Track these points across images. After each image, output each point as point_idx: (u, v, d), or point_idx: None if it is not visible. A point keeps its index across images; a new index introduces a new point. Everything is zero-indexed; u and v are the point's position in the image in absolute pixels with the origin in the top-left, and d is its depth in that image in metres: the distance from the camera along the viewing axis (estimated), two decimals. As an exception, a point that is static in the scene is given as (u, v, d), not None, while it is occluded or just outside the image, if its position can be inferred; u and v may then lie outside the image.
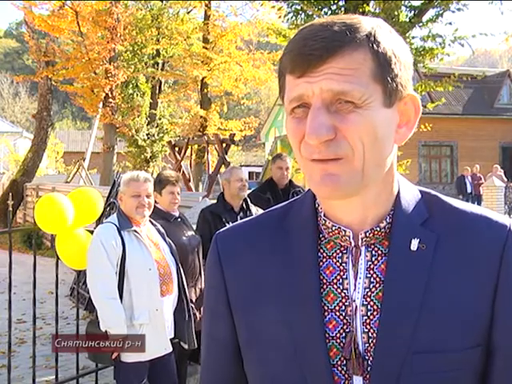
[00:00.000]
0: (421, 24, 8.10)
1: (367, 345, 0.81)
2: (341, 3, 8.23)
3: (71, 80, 17.47)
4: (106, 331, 3.14)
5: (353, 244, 0.84)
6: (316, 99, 0.76)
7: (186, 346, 3.47)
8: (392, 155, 0.83)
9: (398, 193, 0.86)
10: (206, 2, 18.43)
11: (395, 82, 0.78)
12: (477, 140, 24.87)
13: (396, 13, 7.91)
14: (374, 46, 0.77)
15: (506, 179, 15.90)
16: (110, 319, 3.13)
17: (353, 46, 0.75)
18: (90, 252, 3.26)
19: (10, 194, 3.94)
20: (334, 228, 0.85)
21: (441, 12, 8.00)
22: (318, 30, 0.77)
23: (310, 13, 8.19)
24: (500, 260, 0.81)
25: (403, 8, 8.08)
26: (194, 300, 3.73)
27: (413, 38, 8.29)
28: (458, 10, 8.03)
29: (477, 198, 17.33)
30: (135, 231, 3.29)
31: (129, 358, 3.18)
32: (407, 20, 8.10)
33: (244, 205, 4.18)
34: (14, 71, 43.20)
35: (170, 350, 3.34)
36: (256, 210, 4.13)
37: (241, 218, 3.92)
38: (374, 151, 0.78)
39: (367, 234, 0.84)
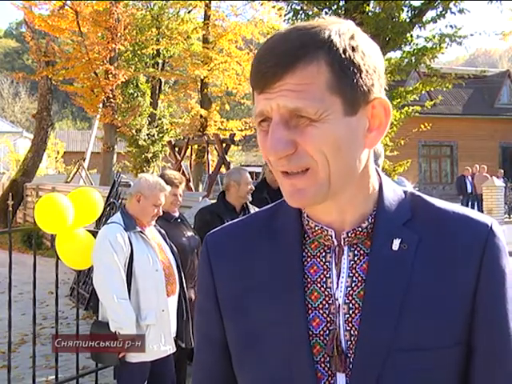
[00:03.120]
0: (421, 24, 8.12)
1: (349, 342, 0.82)
2: (341, 3, 8.24)
3: (71, 80, 17.46)
4: (115, 332, 3.13)
5: (336, 243, 0.86)
6: (274, 115, 0.77)
7: (183, 345, 3.48)
8: (364, 159, 0.83)
9: (381, 193, 0.87)
10: (206, 1, 18.43)
11: (355, 89, 0.77)
12: (477, 140, 24.87)
13: (397, 13, 7.92)
14: (330, 56, 0.76)
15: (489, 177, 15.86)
16: (121, 320, 3.12)
17: (306, 59, 0.75)
18: (98, 252, 3.24)
19: (10, 194, 3.94)
20: (316, 228, 0.87)
21: (443, 13, 8.01)
22: (275, 43, 0.77)
23: (310, 13, 8.19)
24: (481, 258, 0.82)
25: (404, 8, 8.09)
26: (192, 300, 3.73)
27: (418, 37, 8.30)
28: (460, 12, 8.05)
29: (477, 198, 17.32)
30: (141, 232, 3.30)
31: (134, 358, 3.19)
32: (407, 20, 8.11)
33: (244, 205, 4.18)
34: (13, 71, 43.12)
35: (175, 349, 3.37)
36: (253, 210, 4.12)
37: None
38: (339, 160, 0.78)
39: (349, 235, 0.85)
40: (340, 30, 0.78)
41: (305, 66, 0.75)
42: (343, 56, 0.77)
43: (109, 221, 3.42)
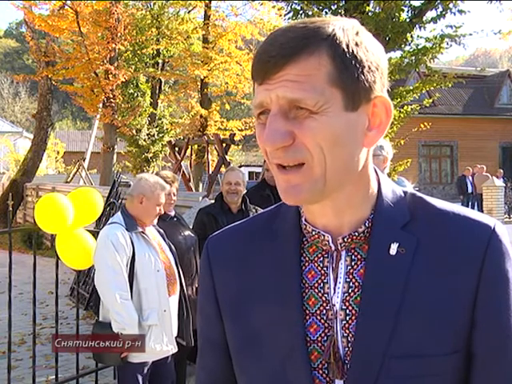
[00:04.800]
0: (421, 24, 8.12)
1: (347, 349, 0.81)
2: (341, 3, 8.24)
3: (71, 80, 17.46)
4: (118, 332, 3.13)
5: (333, 248, 0.84)
6: (273, 106, 0.76)
7: (183, 343, 3.49)
8: (362, 159, 0.81)
9: (379, 195, 0.85)
10: (207, 1, 18.44)
11: (357, 85, 0.76)
12: (477, 140, 24.87)
13: (396, 13, 7.93)
14: (332, 49, 0.75)
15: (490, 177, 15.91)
16: (124, 321, 3.11)
17: (309, 50, 0.75)
18: (101, 252, 3.22)
19: (10, 194, 3.93)
20: (314, 232, 0.85)
21: (443, 13, 8.02)
22: (279, 35, 0.76)
23: (310, 13, 8.20)
24: (482, 262, 0.79)
25: (404, 8, 8.10)
26: (190, 298, 3.74)
27: (418, 37, 8.31)
28: (460, 12, 8.06)
29: (477, 198, 17.33)
30: (142, 232, 3.30)
31: (136, 358, 3.19)
32: (408, 20, 8.12)
33: (243, 206, 4.17)
34: (14, 71, 43.15)
35: (176, 349, 3.37)
36: (255, 211, 4.11)
37: (239, 220, 3.88)
38: (335, 156, 0.77)
39: (345, 239, 0.84)
40: (344, 25, 0.78)
41: (306, 57, 0.74)
42: (346, 50, 0.76)
43: (110, 221, 3.40)
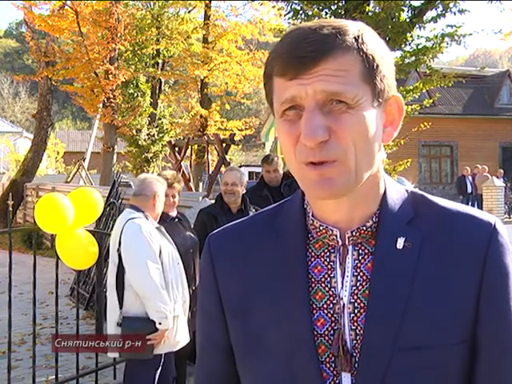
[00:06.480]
0: (421, 24, 8.13)
1: (355, 342, 0.82)
2: (341, 3, 8.24)
3: (71, 80, 17.47)
4: (158, 323, 3.17)
5: (340, 243, 0.86)
6: (310, 101, 0.77)
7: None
8: (380, 154, 0.84)
9: (385, 192, 0.88)
10: (207, 1, 18.44)
11: (383, 82, 0.80)
12: (477, 140, 24.85)
13: (396, 13, 7.93)
14: (363, 48, 0.78)
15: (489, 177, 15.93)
16: (166, 309, 3.17)
17: (343, 48, 0.77)
18: (135, 242, 3.23)
19: (10, 194, 3.94)
20: (321, 228, 0.87)
21: (443, 12, 8.03)
22: (308, 33, 0.78)
23: (310, 13, 8.20)
24: (484, 257, 0.82)
25: (404, 8, 8.10)
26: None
27: (418, 37, 8.31)
28: (460, 12, 8.06)
29: (477, 198, 17.33)
30: (159, 228, 3.39)
31: (161, 349, 3.26)
32: (408, 20, 8.12)
33: (243, 206, 4.17)
34: (14, 71, 43.19)
35: (189, 339, 3.47)
36: (255, 211, 4.10)
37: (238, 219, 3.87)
38: (366, 151, 0.79)
39: (354, 234, 0.85)
40: (364, 27, 0.82)
41: (343, 53, 0.77)
42: (373, 49, 0.79)
43: (127, 217, 3.34)
